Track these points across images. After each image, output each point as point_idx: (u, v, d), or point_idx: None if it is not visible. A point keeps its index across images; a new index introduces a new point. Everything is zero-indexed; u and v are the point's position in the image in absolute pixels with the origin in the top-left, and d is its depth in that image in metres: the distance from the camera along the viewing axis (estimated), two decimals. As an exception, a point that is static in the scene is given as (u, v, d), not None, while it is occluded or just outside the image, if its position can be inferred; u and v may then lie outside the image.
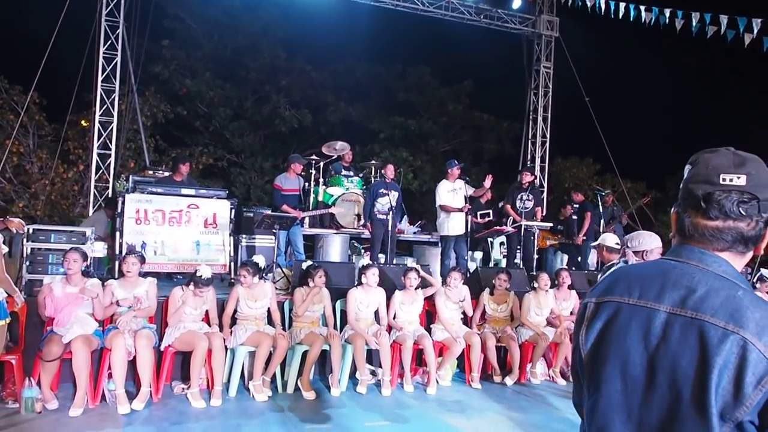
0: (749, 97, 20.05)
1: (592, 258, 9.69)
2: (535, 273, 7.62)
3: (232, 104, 17.15)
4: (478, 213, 9.53)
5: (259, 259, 5.89)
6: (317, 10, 13.61)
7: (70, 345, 4.73)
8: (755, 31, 9.43)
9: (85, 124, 13.60)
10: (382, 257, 8.17)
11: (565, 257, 9.99)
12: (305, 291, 5.90)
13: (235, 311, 5.72)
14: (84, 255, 5.15)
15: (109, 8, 10.43)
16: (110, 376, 4.98)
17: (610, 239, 5.77)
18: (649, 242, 4.19)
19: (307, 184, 9.33)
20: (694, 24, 9.92)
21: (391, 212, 8.02)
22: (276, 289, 6.81)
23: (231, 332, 5.61)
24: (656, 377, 1.14)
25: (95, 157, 10.54)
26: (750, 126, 18.99)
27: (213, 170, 17.15)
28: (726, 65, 16.76)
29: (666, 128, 21.59)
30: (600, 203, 9.91)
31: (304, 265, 6.26)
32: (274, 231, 7.56)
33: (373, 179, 9.69)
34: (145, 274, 5.72)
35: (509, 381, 6.42)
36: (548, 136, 13.84)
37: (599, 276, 5.81)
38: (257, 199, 16.04)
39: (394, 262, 8.30)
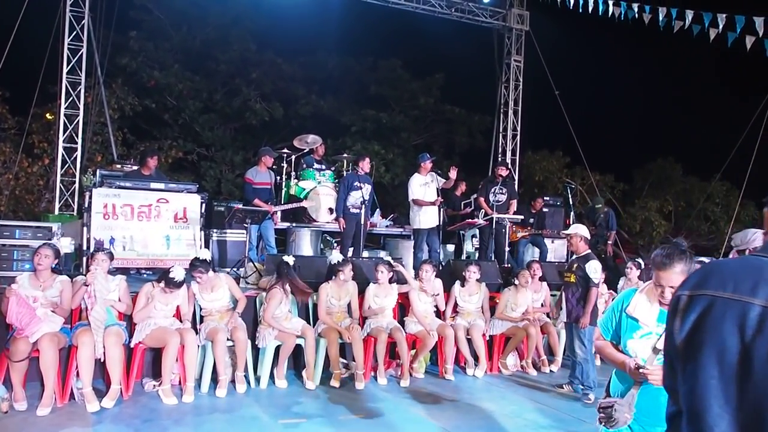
0: (715, 90, 20.49)
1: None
2: (507, 265, 7.69)
3: (202, 97, 16.90)
4: (463, 203, 9.80)
5: (204, 253, 5.82)
6: (288, 2, 13.48)
7: (38, 343, 4.63)
8: (720, 27, 9.62)
9: (50, 117, 13.26)
10: (351, 251, 8.15)
11: (536, 250, 10.10)
12: (279, 291, 5.83)
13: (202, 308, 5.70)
14: (56, 251, 5.03)
15: (74, -2, 10.19)
16: (78, 374, 4.89)
17: (583, 229, 5.82)
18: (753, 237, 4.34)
19: (278, 177, 9.26)
20: (660, 18, 10.08)
21: (363, 206, 8.01)
22: (247, 283, 6.78)
23: (199, 329, 5.57)
24: (753, 365, 1.21)
25: (61, 150, 10.31)
26: (716, 119, 19.41)
27: (183, 164, 16.89)
28: (693, 60, 17.06)
29: (634, 121, 21.98)
30: (570, 196, 10.05)
31: (290, 260, 6.10)
32: (245, 225, 7.49)
33: (345, 172, 9.66)
34: (114, 271, 5.62)
35: (479, 373, 6.47)
36: (519, 129, 13.96)
37: (575, 265, 5.77)
38: (228, 193, 15.86)
39: (366, 255, 8.30)
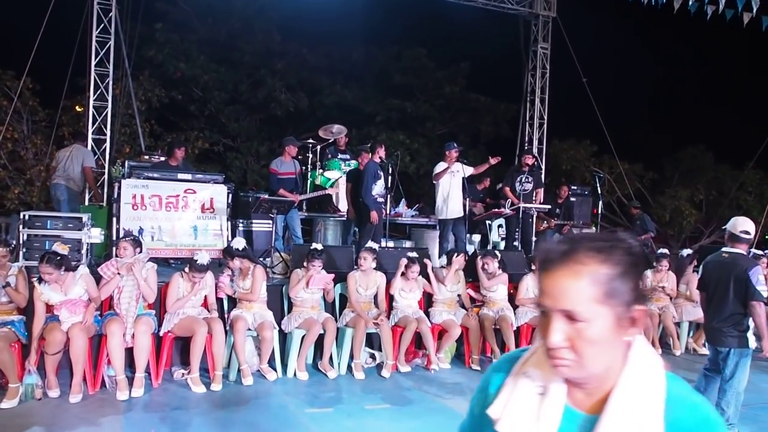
0: (748, 77, 20.00)
1: None
2: (533, 255, 7.61)
3: (227, 88, 17.00)
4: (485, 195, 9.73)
5: (238, 242, 5.88)
6: (312, -8, 13.45)
7: (68, 332, 4.72)
8: (754, 10, 9.34)
9: (79, 110, 13.45)
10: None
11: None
12: (302, 273, 5.88)
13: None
14: (58, 263, 4.75)
15: (101, -9, 10.28)
16: (109, 362, 4.97)
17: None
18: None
19: (304, 167, 9.27)
20: (691, 3, 9.82)
21: (387, 194, 7.96)
22: (274, 273, 6.81)
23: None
24: None
25: (90, 142, 10.44)
26: (749, 106, 18.96)
27: (209, 155, 17.05)
28: (725, 46, 16.66)
29: (664, 109, 21.55)
30: (598, 185, 9.87)
31: (319, 246, 6.13)
32: (271, 215, 7.52)
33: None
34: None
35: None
36: (545, 117, 13.75)
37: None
38: (254, 184, 15.97)
39: (391, 245, 8.27)
